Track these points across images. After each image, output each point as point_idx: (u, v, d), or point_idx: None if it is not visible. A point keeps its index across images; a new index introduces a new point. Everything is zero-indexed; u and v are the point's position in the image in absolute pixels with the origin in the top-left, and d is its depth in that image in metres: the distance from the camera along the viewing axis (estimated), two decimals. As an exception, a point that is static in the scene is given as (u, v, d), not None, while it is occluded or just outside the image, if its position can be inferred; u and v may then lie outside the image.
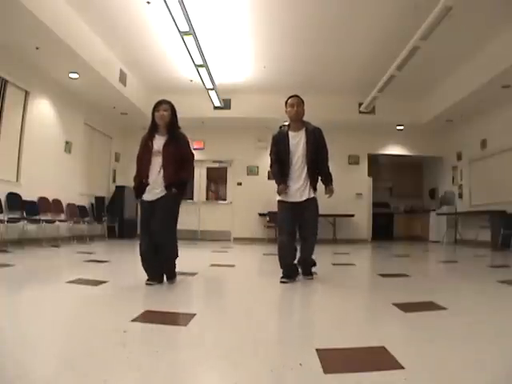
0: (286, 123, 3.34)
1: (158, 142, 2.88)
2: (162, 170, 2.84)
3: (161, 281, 2.86)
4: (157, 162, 2.85)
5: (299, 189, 3.15)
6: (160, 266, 2.87)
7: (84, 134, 8.23)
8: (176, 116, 2.96)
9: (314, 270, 3.33)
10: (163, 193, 2.83)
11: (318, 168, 3.23)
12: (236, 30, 6.30)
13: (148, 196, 2.87)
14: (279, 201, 3.23)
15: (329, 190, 3.23)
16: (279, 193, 3.20)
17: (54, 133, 7.13)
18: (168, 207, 2.84)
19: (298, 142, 3.18)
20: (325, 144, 3.26)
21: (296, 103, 3.20)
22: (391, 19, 5.73)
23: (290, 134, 3.22)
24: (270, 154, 3.31)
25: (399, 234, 11.30)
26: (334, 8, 5.57)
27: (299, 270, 3.28)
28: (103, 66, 6.77)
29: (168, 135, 2.90)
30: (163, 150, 2.85)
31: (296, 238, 3.24)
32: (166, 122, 2.88)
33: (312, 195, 3.17)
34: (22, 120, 6.22)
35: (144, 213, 2.90)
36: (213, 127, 9.70)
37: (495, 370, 1.29)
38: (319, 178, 3.27)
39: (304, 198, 3.15)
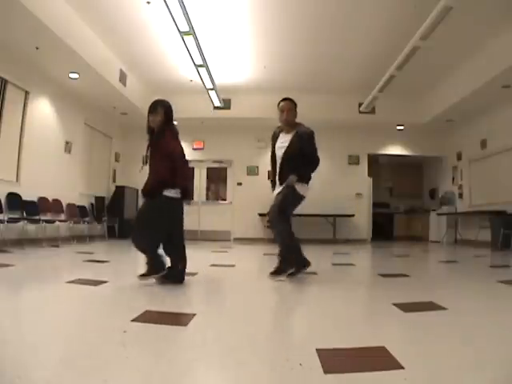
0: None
1: None
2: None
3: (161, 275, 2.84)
4: None
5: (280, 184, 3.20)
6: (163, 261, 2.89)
7: (84, 133, 8.23)
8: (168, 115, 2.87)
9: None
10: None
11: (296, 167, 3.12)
12: (236, 30, 6.30)
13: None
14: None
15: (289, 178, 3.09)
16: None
17: (54, 133, 7.13)
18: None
19: (282, 144, 3.16)
20: (310, 149, 3.11)
21: (287, 109, 3.13)
22: (391, 19, 5.73)
23: (281, 135, 3.23)
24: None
25: (399, 234, 11.29)
26: (334, 8, 5.58)
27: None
28: (103, 65, 6.77)
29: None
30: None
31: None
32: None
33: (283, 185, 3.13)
34: (21, 120, 6.22)
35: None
36: (213, 127, 9.69)
37: (495, 370, 1.29)
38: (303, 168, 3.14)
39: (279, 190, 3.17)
